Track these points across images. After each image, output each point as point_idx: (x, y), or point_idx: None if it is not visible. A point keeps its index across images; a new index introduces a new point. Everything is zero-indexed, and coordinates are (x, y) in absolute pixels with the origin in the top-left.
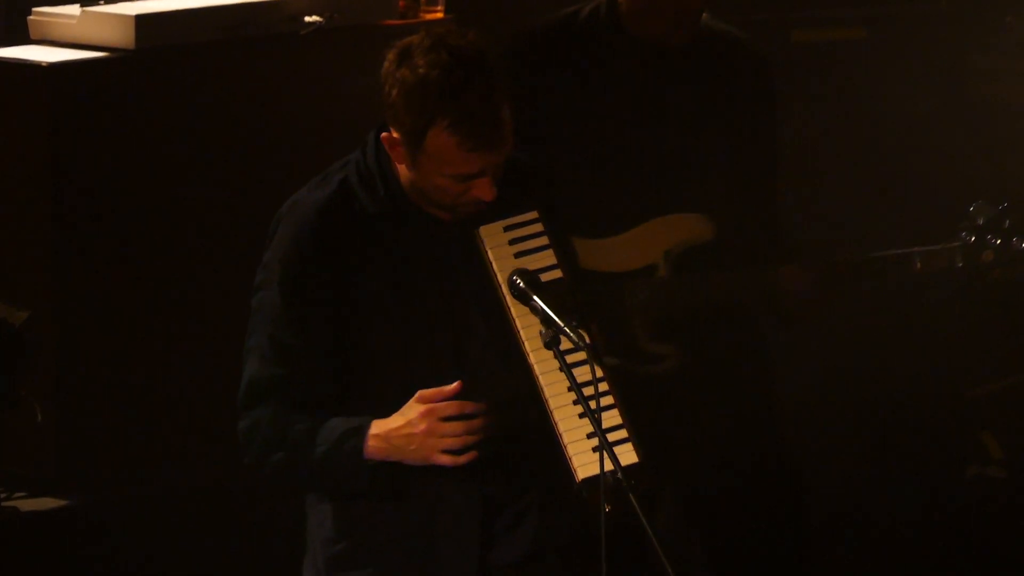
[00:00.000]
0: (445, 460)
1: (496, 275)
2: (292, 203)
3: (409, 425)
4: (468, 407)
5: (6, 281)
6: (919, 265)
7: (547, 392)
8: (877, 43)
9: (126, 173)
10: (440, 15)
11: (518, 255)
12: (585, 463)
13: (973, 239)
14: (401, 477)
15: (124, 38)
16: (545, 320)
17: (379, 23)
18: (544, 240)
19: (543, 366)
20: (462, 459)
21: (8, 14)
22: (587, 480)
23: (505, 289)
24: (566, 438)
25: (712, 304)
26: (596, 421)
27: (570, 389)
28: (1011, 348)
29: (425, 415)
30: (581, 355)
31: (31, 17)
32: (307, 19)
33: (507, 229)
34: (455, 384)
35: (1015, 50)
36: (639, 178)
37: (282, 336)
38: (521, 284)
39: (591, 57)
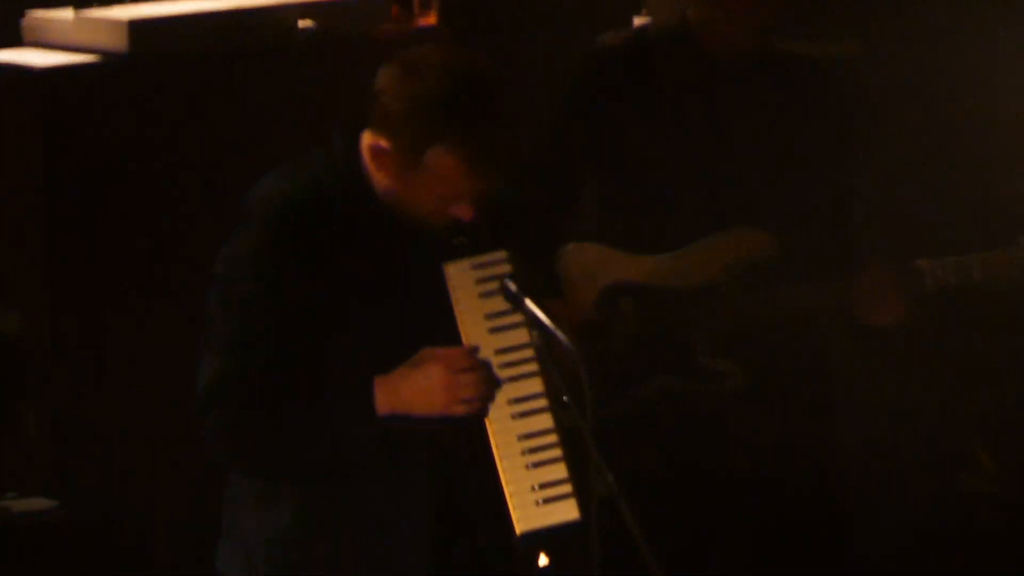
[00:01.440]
0: (460, 409)
1: (459, 313)
2: (259, 200)
3: (425, 378)
4: (482, 362)
5: None
6: (978, 275)
7: (496, 438)
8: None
9: (119, 178)
10: (433, 22)
11: (482, 295)
12: (525, 516)
13: None
14: (396, 436)
15: (117, 43)
16: (536, 324)
17: (372, 30)
18: (512, 283)
19: (493, 413)
20: (475, 407)
21: (3, 14)
22: (526, 533)
23: (465, 329)
24: (509, 488)
25: (780, 319)
26: (586, 419)
27: (519, 439)
28: (1010, 364)
29: (441, 365)
30: (538, 403)
31: (24, 20)
32: (300, 25)
33: (474, 268)
34: (470, 346)
35: None
36: (703, 192)
37: (255, 327)
38: (513, 288)
39: (661, 73)
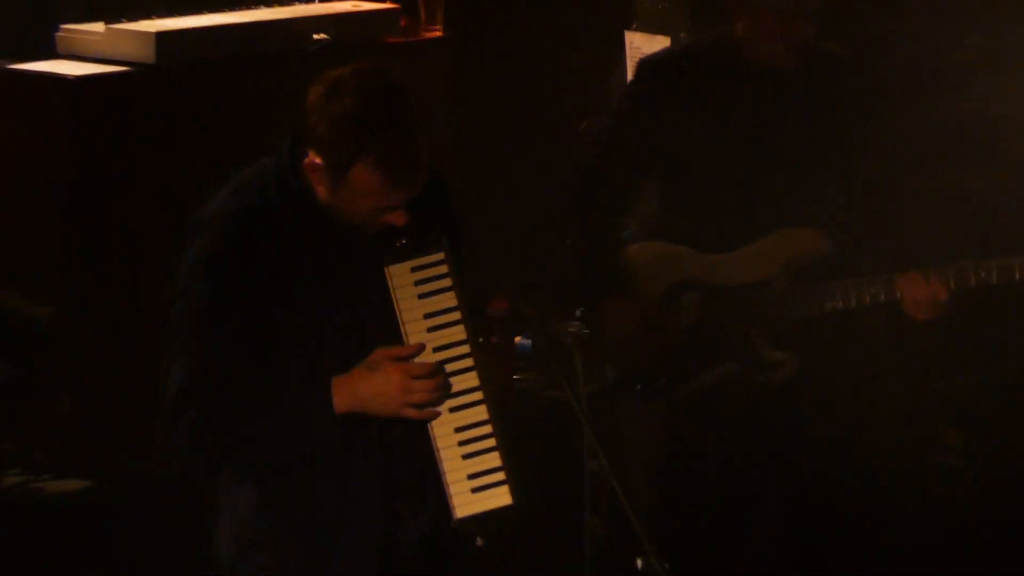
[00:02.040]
0: (412, 413)
1: (400, 313)
2: (214, 212)
3: (383, 379)
4: (436, 369)
5: (32, 279)
6: (1019, 274)
7: (435, 430)
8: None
9: (145, 177)
10: (439, 33)
11: (422, 296)
12: (463, 503)
13: None
14: (352, 430)
15: (145, 53)
16: (538, 326)
17: (382, 40)
18: (448, 282)
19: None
20: (426, 413)
21: (35, 30)
22: (463, 519)
23: (407, 328)
24: (448, 477)
25: (831, 312)
26: (581, 407)
27: (456, 431)
28: (977, 347)
29: (399, 372)
30: (474, 396)
31: (59, 33)
32: (315, 36)
33: (414, 270)
34: (417, 344)
35: None
36: (756, 194)
37: (212, 336)
38: (511, 285)
39: (712, 82)
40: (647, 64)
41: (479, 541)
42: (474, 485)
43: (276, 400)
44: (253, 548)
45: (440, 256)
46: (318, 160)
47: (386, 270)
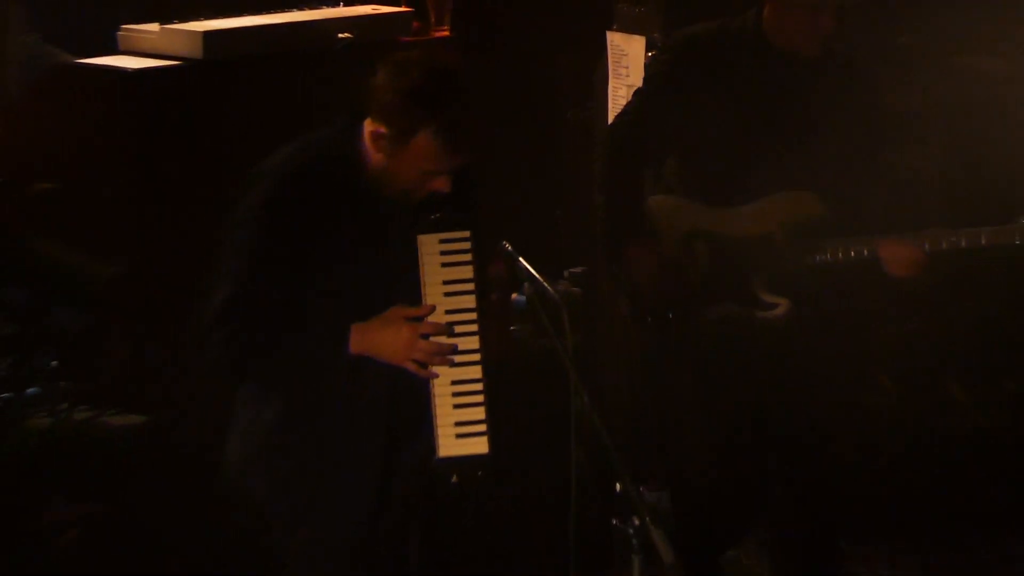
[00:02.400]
0: (413, 367)
1: (423, 276)
2: (273, 166)
3: (394, 332)
4: (443, 330)
5: (100, 244)
6: (984, 241)
7: (433, 380)
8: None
9: (193, 156)
10: (446, 33)
11: (444, 265)
12: (446, 444)
13: None
14: (361, 370)
15: (194, 50)
16: (528, 277)
17: (397, 39)
18: (468, 257)
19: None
20: (425, 372)
21: (101, 30)
22: (443, 459)
23: (427, 290)
24: (438, 420)
25: (822, 265)
26: (567, 352)
27: (452, 383)
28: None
29: (409, 329)
30: (473, 357)
31: (120, 32)
32: (340, 36)
33: (442, 242)
34: (430, 305)
35: None
36: (767, 159)
37: (261, 261)
38: (509, 248)
39: (737, 60)
40: (681, 37)
41: (454, 478)
42: (458, 432)
43: (302, 328)
44: (276, 453)
45: (466, 234)
46: (383, 129)
47: (417, 238)
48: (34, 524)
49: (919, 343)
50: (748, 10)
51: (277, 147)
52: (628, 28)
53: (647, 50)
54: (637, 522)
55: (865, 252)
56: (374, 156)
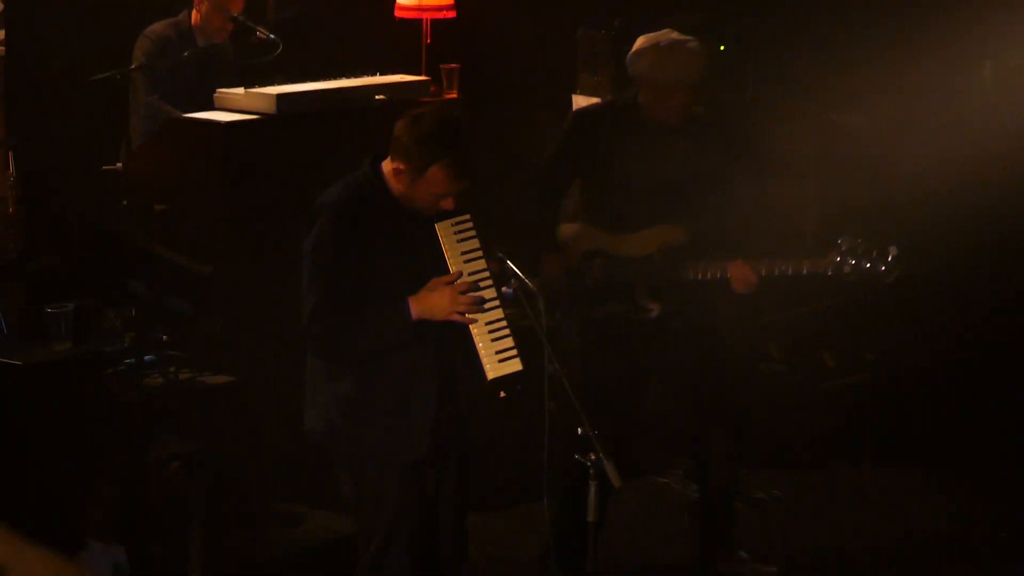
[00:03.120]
0: (458, 317)
1: (446, 251)
2: (327, 203)
3: (439, 295)
4: (473, 287)
5: (199, 251)
6: (805, 270)
7: (472, 325)
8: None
9: (269, 187)
10: (455, 96)
11: (459, 240)
12: (492, 368)
13: (838, 258)
14: (421, 330)
15: (269, 107)
16: (513, 275)
17: (418, 100)
18: (472, 232)
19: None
20: (467, 318)
21: (202, 93)
22: (492, 380)
23: (450, 262)
24: (482, 352)
25: (685, 280)
26: (542, 328)
27: (486, 324)
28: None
29: (449, 290)
30: (494, 303)
31: (215, 94)
32: (377, 97)
33: (453, 225)
34: (456, 272)
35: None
36: (646, 199)
37: (334, 273)
38: (500, 255)
39: (623, 127)
40: (581, 113)
41: (501, 394)
42: (499, 357)
43: (373, 312)
44: (359, 413)
45: (467, 216)
46: (402, 166)
47: (436, 227)
48: (147, 457)
49: (802, 324)
50: (630, 88)
51: (328, 183)
52: (587, 92)
53: None
54: (593, 457)
55: (719, 274)
56: (395, 187)
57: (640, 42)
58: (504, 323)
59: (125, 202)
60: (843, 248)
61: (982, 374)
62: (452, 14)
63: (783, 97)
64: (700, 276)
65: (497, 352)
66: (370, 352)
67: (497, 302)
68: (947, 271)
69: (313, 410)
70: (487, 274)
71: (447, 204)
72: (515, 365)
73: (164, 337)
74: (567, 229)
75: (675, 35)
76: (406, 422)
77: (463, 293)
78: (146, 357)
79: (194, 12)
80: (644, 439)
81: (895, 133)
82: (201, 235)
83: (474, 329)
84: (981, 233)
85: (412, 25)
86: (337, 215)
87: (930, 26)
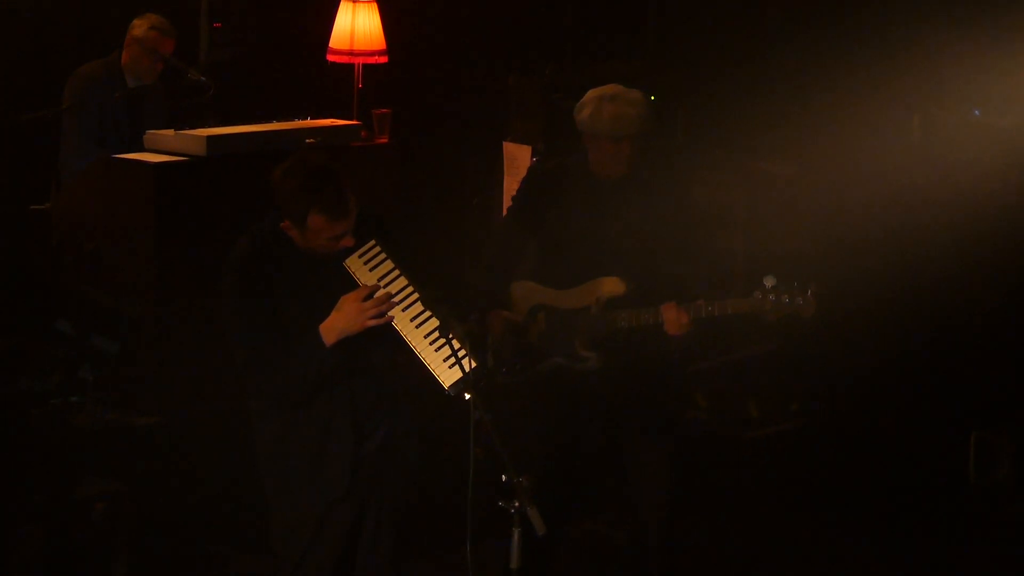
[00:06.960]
0: (373, 321)
1: (360, 284)
2: (233, 256)
3: (347, 308)
4: (374, 288)
5: (129, 290)
6: (730, 309)
7: (410, 342)
8: None
9: (199, 228)
10: (386, 140)
11: (371, 269)
12: (444, 376)
13: (761, 296)
14: (342, 360)
15: (199, 149)
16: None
17: (349, 144)
18: (383, 256)
19: (403, 329)
20: (381, 320)
21: (132, 134)
22: (450, 387)
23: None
24: (430, 365)
25: (622, 329)
26: (470, 378)
27: (424, 336)
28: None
29: (352, 300)
30: (427, 315)
31: (145, 135)
32: (308, 140)
33: (360, 256)
34: (365, 285)
35: None
36: (589, 254)
37: (249, 328)
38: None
39: (570, 186)
40: (535, 171)
41: (467, 396)
42: (448, 364)
43: (294, 352)
44: (278, 458)
45: (372, 242)
46: (287, 221)
47: (344, 264)
48: (71, 497)
49: (726, 373)
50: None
51: (258, 219)
52: (518, 139)
53: (532, 156)
54: (517, 504)
55: (651, 319)
56: (294, 237)
57: (587, 95)
58: (437, 333)
59: (54, 242)
60: (767, 286)
61: (907, 423)
62: (384, 59)
63: (713, 146)
64: (634, 323)
65: (444, 359)
66: (309, 386)
67: (429, 314)
68: (872, 318)
69: (257, 445)
70: (411, 289)
71: (346, 242)
72: (466, 366)
73: (91, 377)
74: (518, 287)
75: (619, 88)
76: (323, 464)
77: (367, 298)
78: (73, 398)
79: (124, 52)
80: (579, 486)
81: (824, 182)
82: (130, 275)
83: (415, 346)
84: (907, 279)
85: (344, 69)
86: (243, 271)
87: (861, 77)
